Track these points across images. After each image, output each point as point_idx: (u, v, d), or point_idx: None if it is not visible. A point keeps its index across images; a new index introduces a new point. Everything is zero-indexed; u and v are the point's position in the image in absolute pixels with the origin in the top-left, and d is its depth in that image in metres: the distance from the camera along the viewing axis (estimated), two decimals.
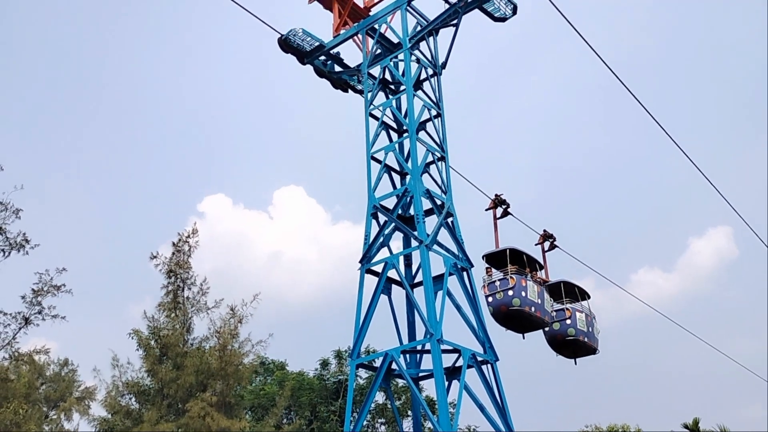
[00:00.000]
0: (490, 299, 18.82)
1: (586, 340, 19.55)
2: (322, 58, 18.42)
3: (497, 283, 18.11)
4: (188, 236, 30.36)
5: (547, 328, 19.23)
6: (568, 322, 19.43)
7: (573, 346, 19.53)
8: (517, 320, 17.02)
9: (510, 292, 18.33)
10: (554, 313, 19.42)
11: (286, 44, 17.91)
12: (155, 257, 29.74)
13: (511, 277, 17.82)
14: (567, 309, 19.78)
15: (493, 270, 17.97)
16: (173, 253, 30.05)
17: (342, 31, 18.14)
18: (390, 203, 15.70)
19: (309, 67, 18.69)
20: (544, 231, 20.98)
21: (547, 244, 20.84)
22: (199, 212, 60.59)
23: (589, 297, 21.05)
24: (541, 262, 19.72)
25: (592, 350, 20.13)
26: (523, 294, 16.95)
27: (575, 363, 20.25)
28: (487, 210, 19.69)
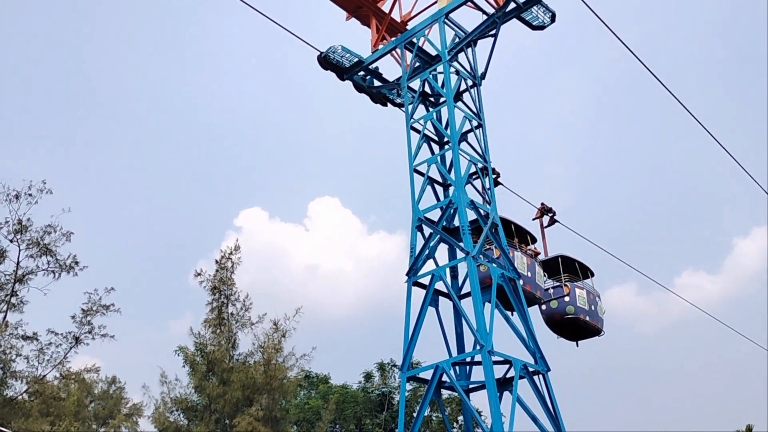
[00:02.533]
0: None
1: (587, 319, 17.99)
2: (361, 73, 18.58)
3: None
4: (231, 253, 30.88)
5: (543, 306, 17.83)
6: (567, 299, 17.81)
7: (573, 326, 17.94)
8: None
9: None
10: (551, 291, 18.00)
11: (326, 61, 18.12)
12: (199, 274, 30.31)
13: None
14: (565, 285, 18.15)
15: None
16: (217, 270, 30.58)
17: (380, 46, 18.30)
18: (434, 215, 15.75)
19: (332, 75, 18.64)
20: (542, 204, 19.70)
21: (546, 219, 19.58)
22: (236, 227, 61.40)
23: (592, 274, 19.48)
24: (534, 235, 18.51)
25: (595, 331, 18.46)
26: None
27: (577, 345, 18.63)
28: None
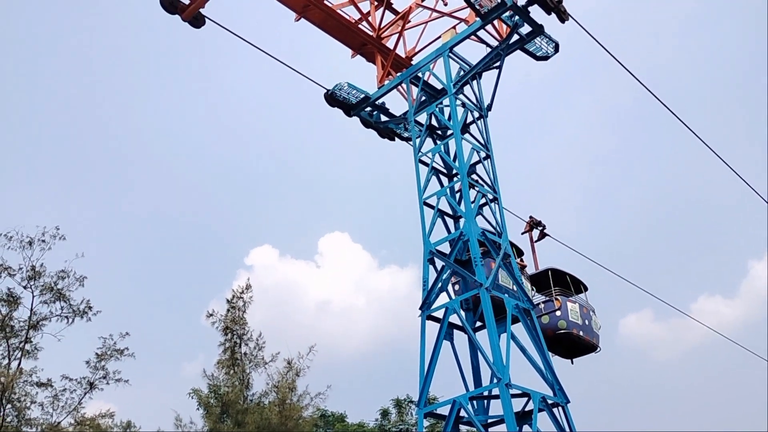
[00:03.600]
0: None
1: (581, 334, 17.18)
2: (368, 109, 18.72)
3: (542, 306, 17.03)
4: (242, 292, 30.82)
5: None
6: (558, 314, 16.87)
7: (566, 341, 17.12)
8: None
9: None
10: (541, 305, 17.22)
11: (333, 98, 18.28)
12: (211, 315, 30.24)
13: (556, 299, 16.81)
14: (556, 299, 17.30)
15: None
16: (228, 310, 30.51)
17: (386, 82, 18.47)
18: (445, 248, 15.68)
19: (339, 111, 18.79)
20: (531, 218, 19.12)
21: (536, 233, 19.00)
22: (247, 265, 61.29)
23: (585, 288, 18.76)
24: (520, 248, 17.89)
25: (591, 347, 17.59)
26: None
27: (572, 362, 17.73)
28: (523, 233, 18.92)
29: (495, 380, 13.25)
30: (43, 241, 28.41)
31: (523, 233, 19.40)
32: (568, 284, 18.33)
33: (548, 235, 19.27)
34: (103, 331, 29.60)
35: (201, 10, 16.21)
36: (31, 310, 28.23)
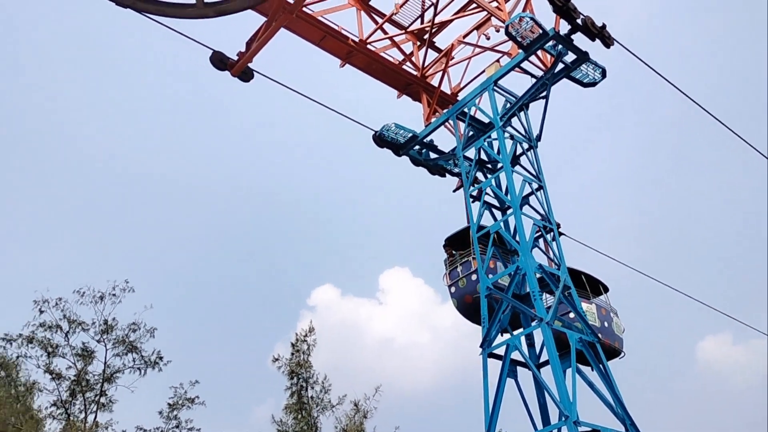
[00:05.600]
0: (452, 290, 16.42)
1: (600, 337, 15.70)
2: (417, 147, 18.79)
3: (459, 269, 15.89)
4: (305, 335, 31.01)
5: None
6: (572, 316, 15.50)
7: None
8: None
9: (474, 277, 16.06)
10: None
11: (381, 140, 18.44)
12: (276, 359, 30.47)
13: (473, 258, 15.36)
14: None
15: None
16: (292, 354, 30.69)
17: (433, 120, 18.54)
18: (503, 281, 15.42)
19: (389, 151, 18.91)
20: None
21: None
22: (309, 306, 61.72)
23: (606, 290, 17.61)
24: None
25: (612, 351, 16.27)
26: (491, 278, 14.80)
27: (592, 369, 16.01)
28: None
29: (563, 418, 12.85)
30: (114, 294, 29.43)
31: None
32: (584, 285, 17.47)
33: (563, 234, 18.42)
34: (174, 380, 30.24)
35: (249, 64, 16.74)
36: (105, 363, 29.12)
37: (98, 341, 29.10)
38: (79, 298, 29.03)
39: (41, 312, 28.53)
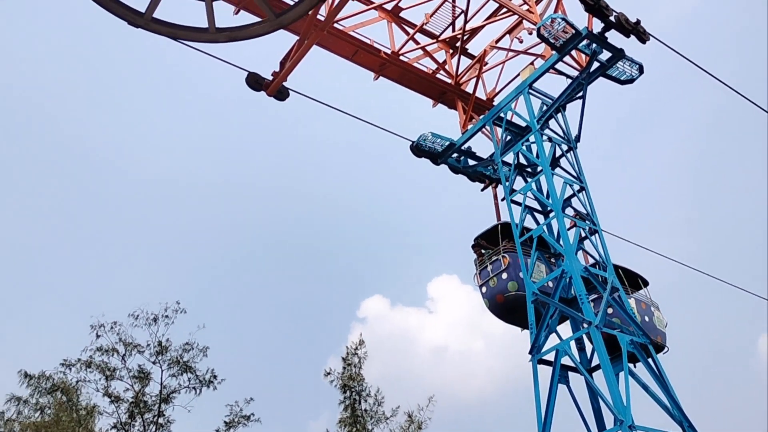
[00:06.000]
0: (483, 290, 16.16)
1: (652, 338, 15.07)
2: (455, 155, 18.73)
3: (489, 268, 15.59)
4: (356, 348, 31.08)
5: None
6: (505, 276, 15.31)
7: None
8: (520, 312, 14.36)
9: (504, 275, 15.75)
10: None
11: (418, 149, 18.42)
12: (329, 374, 30.60)
13: (503, 256, 15.20)
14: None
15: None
16: (344, 368, 30.78)
17: (469, 126, 18.46)
18: (549, 285, 15.22)
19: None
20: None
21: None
22: (360, 318, 61.85)
23: (646, 284, 17.28)
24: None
25: (654, 346, 15.36)
26: (521, 276, 14.36)
27: (634, 366, 15.46)
28: (482, 191, 17.94)
29: (618, 423, 12.57)
30: (167, 316, 30.02)
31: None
32: (622, 279, 17.04)
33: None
34: (229, 398, 30.63)
35: (284, 83, 16.97)
36: (161, 384, 29.68)
37: (153, 363, 29.71)
38: (134, 321, 29.72)
39: (98, 336, 29.30)
